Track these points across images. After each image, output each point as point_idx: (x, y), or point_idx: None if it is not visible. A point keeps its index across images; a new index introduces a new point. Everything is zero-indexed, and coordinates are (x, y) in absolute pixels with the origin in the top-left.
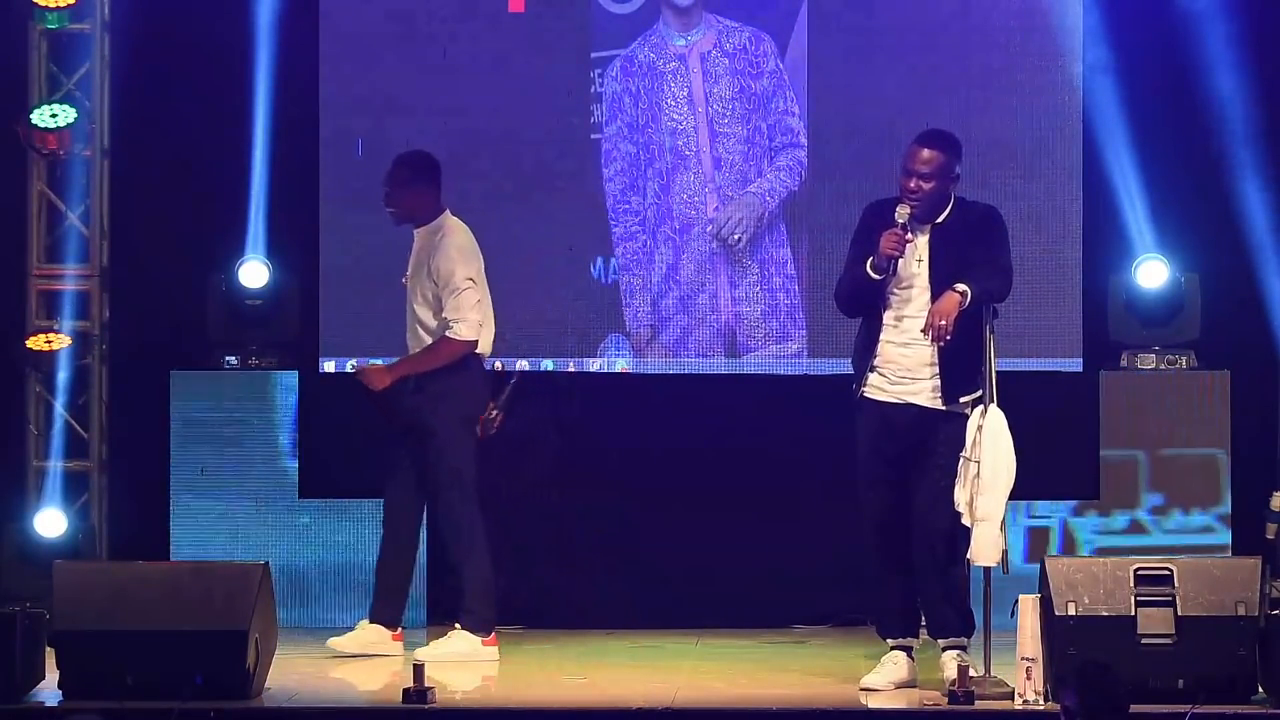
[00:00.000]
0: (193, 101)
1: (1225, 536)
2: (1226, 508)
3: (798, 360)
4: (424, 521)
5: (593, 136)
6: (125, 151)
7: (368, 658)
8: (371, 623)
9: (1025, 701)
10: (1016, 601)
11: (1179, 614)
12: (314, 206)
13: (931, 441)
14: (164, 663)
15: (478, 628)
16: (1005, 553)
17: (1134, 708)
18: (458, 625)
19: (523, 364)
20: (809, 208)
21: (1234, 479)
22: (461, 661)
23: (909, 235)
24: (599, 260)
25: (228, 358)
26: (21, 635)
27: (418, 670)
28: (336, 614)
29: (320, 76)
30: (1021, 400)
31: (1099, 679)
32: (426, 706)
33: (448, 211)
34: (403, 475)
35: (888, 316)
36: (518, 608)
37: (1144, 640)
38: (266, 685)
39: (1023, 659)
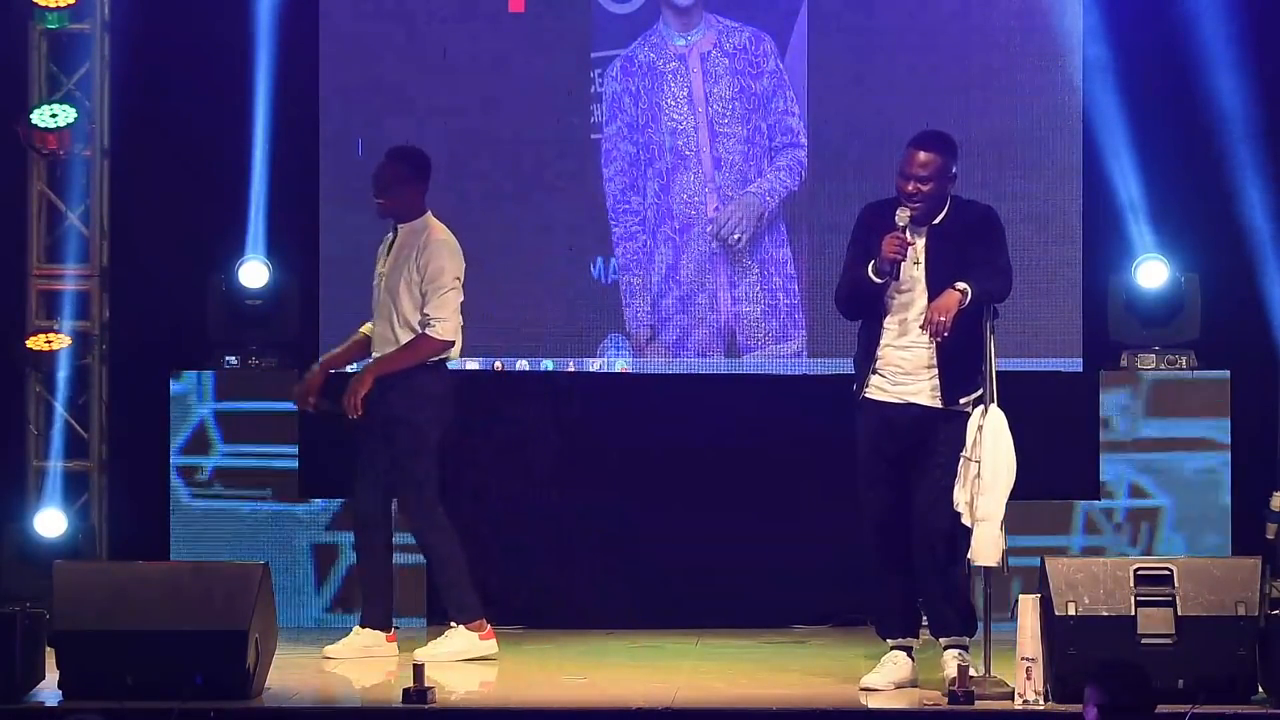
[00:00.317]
0: (193, 101)
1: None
2: (1226, 508)
3: (797, 360)
4: (393, 522)
5: (593, 136)
6: (125, 151)
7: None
8: (364, 628)
9: (1025, 701)
10: (1016, 601)
11: (1179, 614)
12: (314, 206)
13: (932, 441)
14: (164, 663)
15: (468, 618)
16: (1005, 553)
17: None
18: (453, 624)
19: (523, 364)
20: (809, 208)
21: (1234, 479)
22: (460, 659)
23: (910, 238)
24: (599, 260)
25: (228, 358)
26: (21, 635)
27: (417, 670)
28: (336, 614)
29: (320, 76)
30: (1021, 400)
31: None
32: (426, 706)
33: (429, 211)
34: (371, 478)
35: (888, 319)
36: (518, 608)
37: (1144, 640)
38: (266, 685)
39: (1023, 659)
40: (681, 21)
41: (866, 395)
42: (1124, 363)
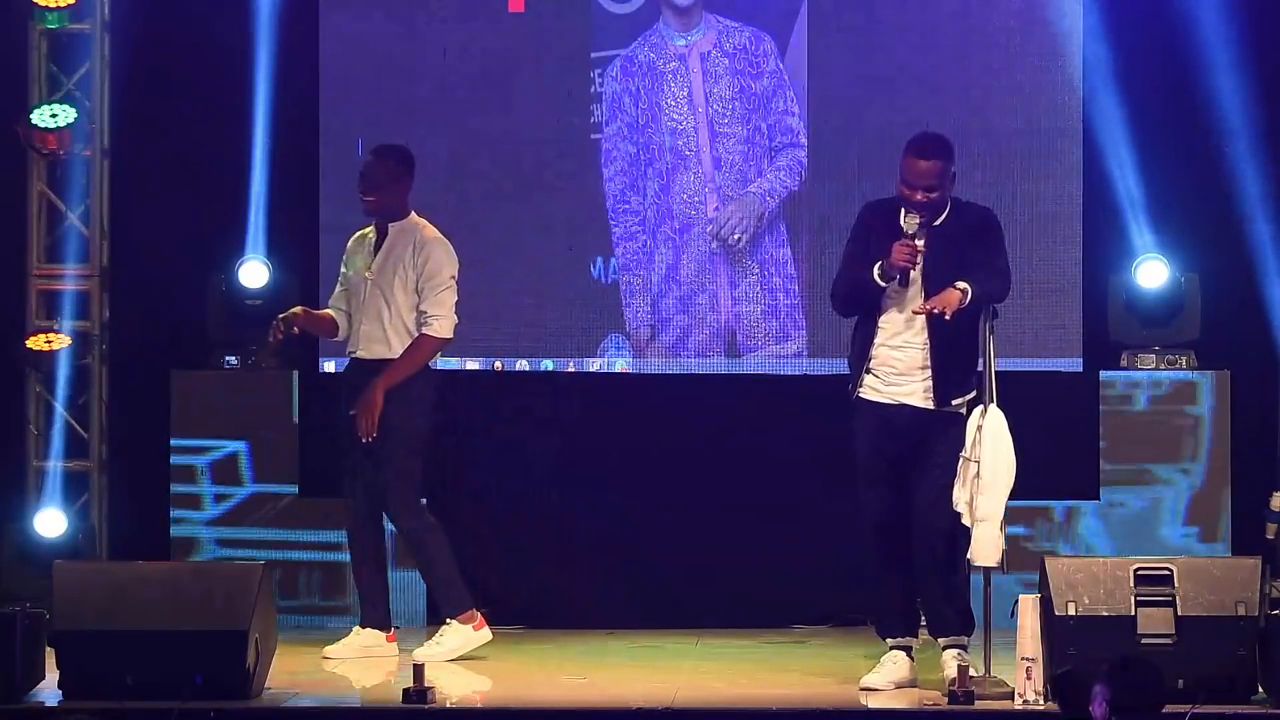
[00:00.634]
0: (193, 101)
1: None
2: (1226, 508)
3: (797, 360)
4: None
5: (593, 136)
6: (125, 151)
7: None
8: (364, 628)
9: (1025, 701)
10: (1016, 601)
11: (1179, 614)
12: (314, 206)
13: (931, 442)
14: (164, 663)
15: (460, 611)
16: (1005, 553)
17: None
18: (448, 620)
19: (523, 364)
20: (809, 208)
21: (1234, 479)
22: (458, 655)
23: (920, 245)
24: (599, 260)
25: (228, 358)
26: (21, 635)
27: (417, 670)
28: (336, 615)
29: (320, 76)
30: (1021, 400)
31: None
32: (426, 706)
33: (414, 211)
34: (362, 480)
35: (883, 318)
36: (518, 608)
37: (1144, 640)
38: (266, 685)
39: (1023, 659)
40: (681, 21)
41: (861, 395)
42: (1124, 363)
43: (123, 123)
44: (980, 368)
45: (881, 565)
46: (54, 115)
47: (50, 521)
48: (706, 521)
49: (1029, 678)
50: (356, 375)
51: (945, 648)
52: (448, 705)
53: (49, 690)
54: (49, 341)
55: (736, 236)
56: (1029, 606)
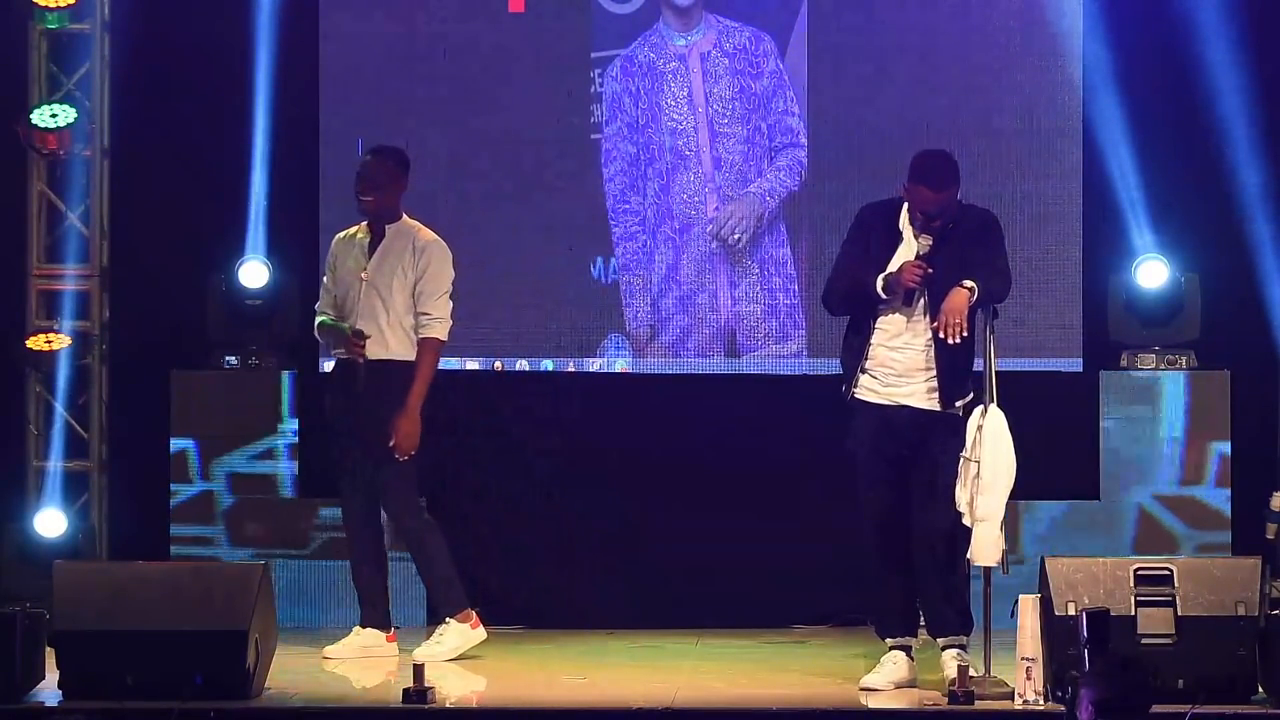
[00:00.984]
0: (193, 101)
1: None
2: (1226, 508)
3: (797, 360)
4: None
5: (593, 136)
6: (125, 151)
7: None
8: (364, 628)
9: (1025, 701)
10: (1016, 601)
11: (1179, 614)
12: (314, 206)
13: (930, 442)
14: (164, 663)
15: (458, 610)
16: (1005, 553)
17: None
18: (447, 620)
19: (523, 364)
20: (809, 208)
21: (1234, 479)
22: (458, 654)
23: (930, 268)
24: (599, 260)
25: (228, 358)
26: (21, 635)
27: (417, 670)
28: (336, 614)
29: (320, 76)
30: (1021, 400)
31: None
32: (426, 706)
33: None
34: (358, 481)
35: (880, 319)
36: (518, 608)
37: (1144, 640)
38: (266, 685)
39: (1023, 659)
40: (681, 21)
41: (857, 396)
42: (1124, 363)
43: (123, 123)
44: (978, 368)
45: (881, 565)
46: (54, 115)
47: (50, 521)
48: (706, 521)
49: (1029, 678)
50: (350, 376)
51: (944, 648)
52: (448, 705)
53: (49, 690)
54: (49, 341)
55: (736, 236)
56: (1029, 606)
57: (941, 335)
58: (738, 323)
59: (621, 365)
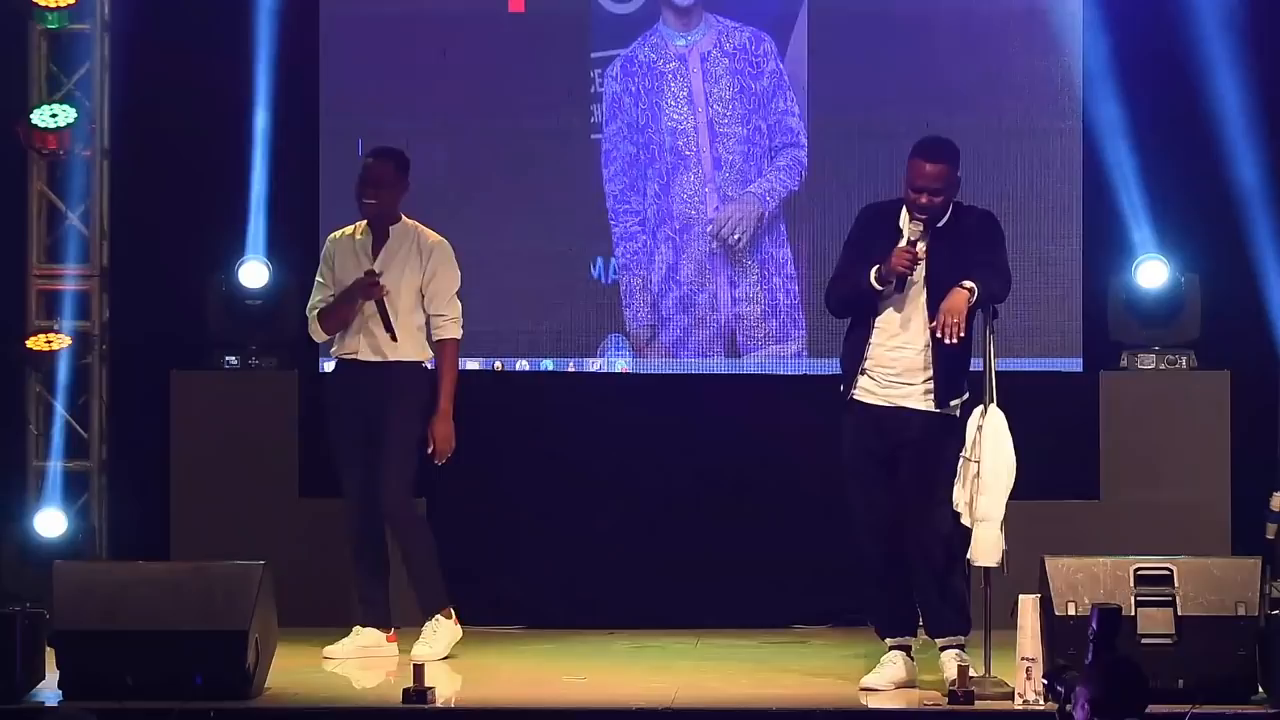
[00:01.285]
0: (193, 101)
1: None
2: (1226, 508)
3: (797, 360)
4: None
5: (593, 136)
6: (125, 151)
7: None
8: (364, 628)
9: (1025, 701)
10: (1016, 601)
11: (1179, 614)
12: (314, 206)
13: (924, 443)
14: (164, 663)
15: (444, 605)
16: (1006, 553)
17: None
18: (436, 617)
19: (523, 364)
20: (809, 208)
21: (1234, 479)
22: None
23: (920, 252)
24: (599, 260)
25: (228, 358)
26: (21, 635)
27: (417, 670)
28: (337, 614)
29: (320, 76)
30: (1021, 400)
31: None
32: (426, 706)
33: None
34: (359, 480)
35: (879, 319)
36: (518, 608)
37: (1144, 640)
38: (266, 685)
39: (1023, 659)
40: (681, 21)
41: (854, 397)
42: (1124, 363)
43: (123, 123)
44: (976, 368)
45: (877, 565)
46: (54, 115)
47: (50, 521)
48: (706, 521)
49: (1029, 678)
50: (357, 377)
51: (943, 648)
52: (448, 705)
53: (49, 690)
54: (49, 341)
55: (736, 236)
56: (1029, 606)
57: (939, 336)
58: (738, 323)
59: (621, 365)
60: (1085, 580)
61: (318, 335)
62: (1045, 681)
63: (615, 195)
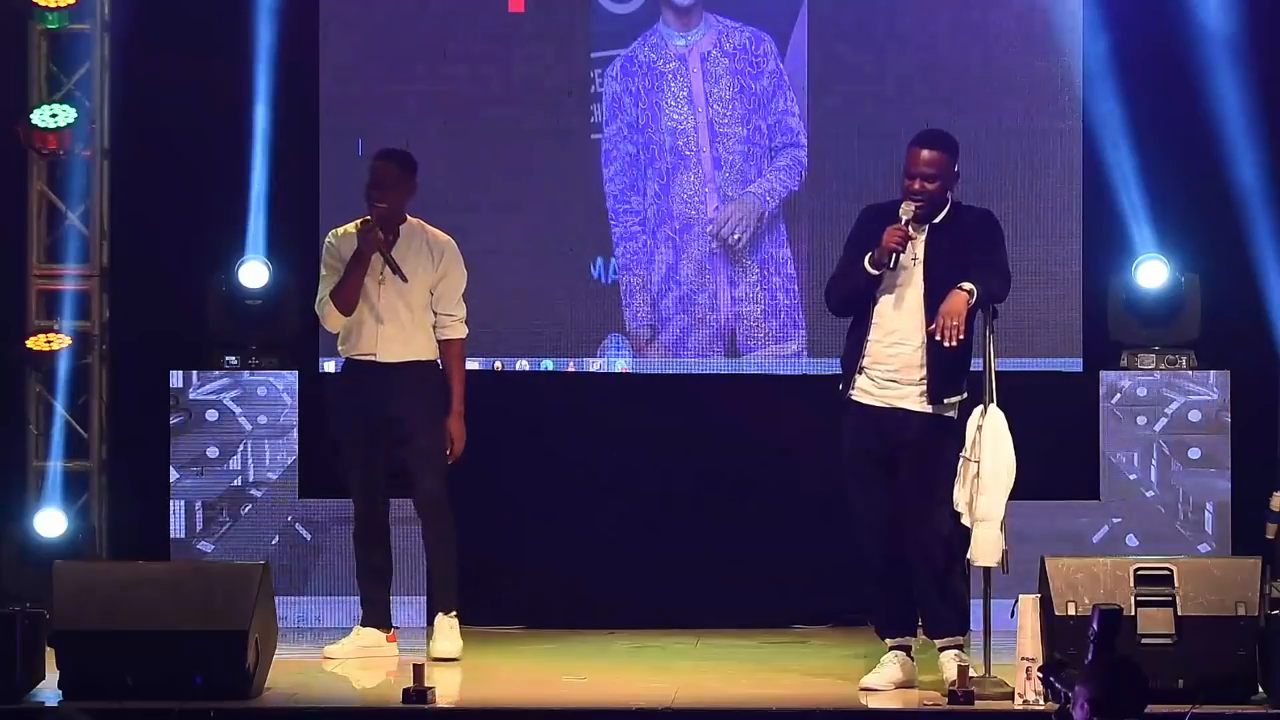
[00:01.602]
0: (193, 101)
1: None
2: (1226, 508)
3: (797, 360)
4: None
5: (593, 136)
6: (125, 151)
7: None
8: (364, 628)
9: (1025, 701)
10: (1017, 601)
11: (1179, 614)
12: (314, 206)
13: (921, 443)
14: (164, 663)
15: (453, 605)
16: (1006, 553)
17: None
18: (452, 614)
19: (523, 364)
20: (809, 208)
21: (1234, 479)
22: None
23: (912, 234)
24: (599, 260)
25: (228, 358)
26: (21, 635)
27: (417, 670)
28: (337, 614)
29: (320, 76)
30: (1021, 400)
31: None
32: (426, 706)
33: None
34: (371, 481)
35: (877, 318)
36: (518, 608)
37: (1144, 640)
38: (266, 685)
39: (1023, 659)
40: (681, 21)
41: (852, 397)
42: (1124, 363)
43: (122, 123)
44: (975, 367)
45: (877, 565)
46: (54, 115)
47: (50, 521)
48: (706, 521)
49: (1029, 678)
50: (368, 378)
51: (942, 649)
52: (447, 705)
53: (49, 690)
54: (49, 341)
55: (736, 236)
56: (1029, 606)
57: (938, 338)
58: (738, 323)
59: (621, 365)
60: (1085, 580)
61: (333, 321)
62: (1041, 675)
63: (615, 195)
